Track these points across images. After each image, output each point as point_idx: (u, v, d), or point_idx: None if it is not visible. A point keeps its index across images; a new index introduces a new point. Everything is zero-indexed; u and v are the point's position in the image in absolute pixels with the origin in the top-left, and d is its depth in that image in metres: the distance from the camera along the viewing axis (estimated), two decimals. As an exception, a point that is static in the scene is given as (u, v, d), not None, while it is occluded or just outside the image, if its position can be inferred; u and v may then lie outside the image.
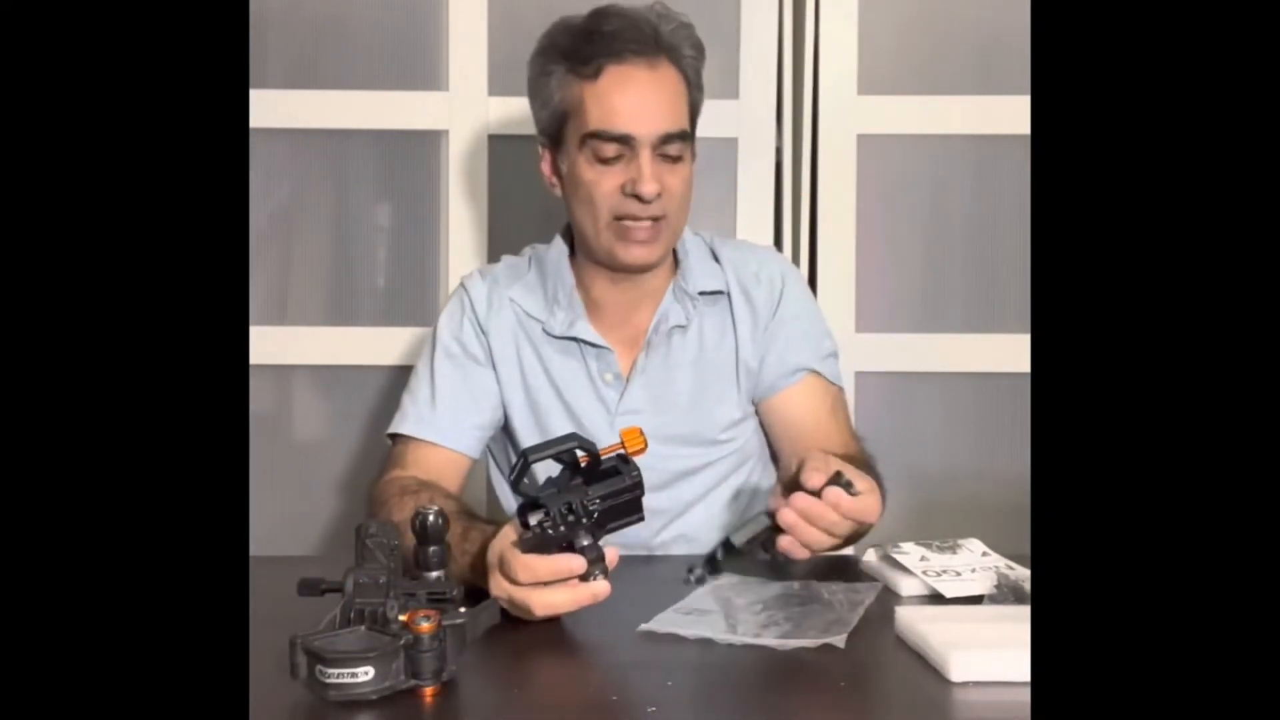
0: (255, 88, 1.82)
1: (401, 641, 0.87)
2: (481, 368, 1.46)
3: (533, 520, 1.04)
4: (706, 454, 1.46)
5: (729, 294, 1.48)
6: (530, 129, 1.89)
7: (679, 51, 1.40)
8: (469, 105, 1.89)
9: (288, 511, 1.92)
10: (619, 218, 1.37)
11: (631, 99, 1.35)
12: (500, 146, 1.91)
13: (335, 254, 1.96)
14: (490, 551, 1.08)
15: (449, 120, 1.90)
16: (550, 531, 1.04)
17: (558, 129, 1.41)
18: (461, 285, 1.51)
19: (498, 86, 1.89)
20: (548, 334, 1.45)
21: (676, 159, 1.38)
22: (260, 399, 1.92)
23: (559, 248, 1.49)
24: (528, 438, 1.44)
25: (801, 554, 1.13)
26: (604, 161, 1.36)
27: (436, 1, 1.89)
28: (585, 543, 1.04)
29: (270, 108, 1.86)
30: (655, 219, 1.37)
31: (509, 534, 1.08)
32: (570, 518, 1.05)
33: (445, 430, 1.42)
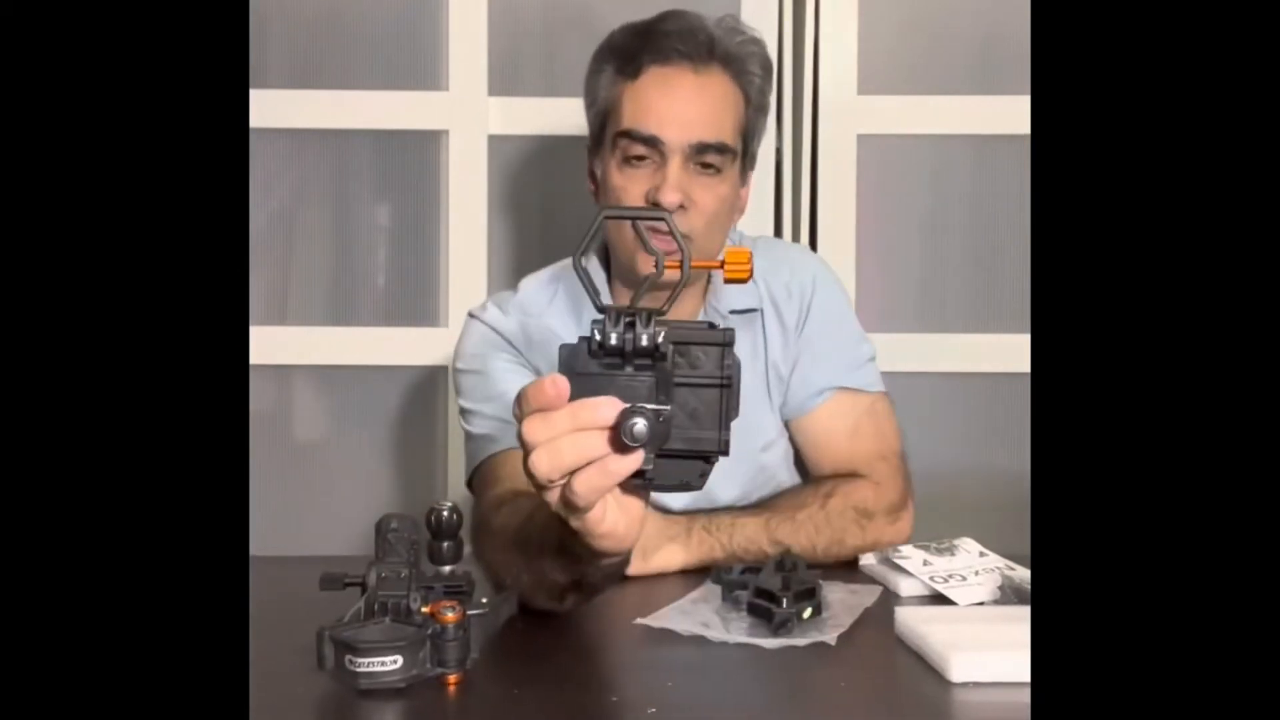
0: (255, 88, 1.82)
1: (428, 631, 0.88)
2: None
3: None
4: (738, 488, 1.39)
5: (762, 311, 1.41)
6: (529, 129, 1.91)
7: (741, 65, 1.32)
8: (469, 105, 1.89)
9: (288, 511, 1.92)
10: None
11: (667, 101, 1.28)
12: (500, 146, 1.91)
13: (335, 254, 1.96)
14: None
15: (449, 120, 1.90)
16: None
17: (600, 129, 1.35)
18: (488, 327, 1.39)
19: (498, 86, 1.89)
20: None
21: (713, 174, 1.30)
22: (260, 399, 1.92)
23: (594, 267, 1.41)
24: None
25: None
26: (631, 164, 1.29)
27: (436, 1, 1.89)
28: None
29: (270, 108, 1.85)
30: None
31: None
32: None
33: None
